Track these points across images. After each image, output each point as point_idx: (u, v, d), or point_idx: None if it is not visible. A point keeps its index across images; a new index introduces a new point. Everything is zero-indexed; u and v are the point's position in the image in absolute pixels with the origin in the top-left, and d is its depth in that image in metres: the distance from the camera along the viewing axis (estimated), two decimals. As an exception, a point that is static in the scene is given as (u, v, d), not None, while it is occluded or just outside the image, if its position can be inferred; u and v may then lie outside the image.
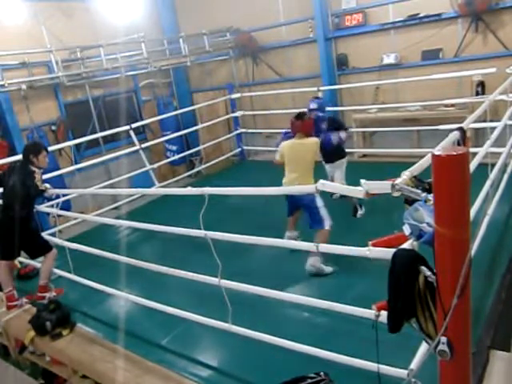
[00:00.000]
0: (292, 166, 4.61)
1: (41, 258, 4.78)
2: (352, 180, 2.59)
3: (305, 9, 8.54)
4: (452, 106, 7.22)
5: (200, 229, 3.28)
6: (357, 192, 2.40)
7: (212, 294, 3.52)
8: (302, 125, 4.62)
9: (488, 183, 4.18)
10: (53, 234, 5.53)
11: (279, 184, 4.52)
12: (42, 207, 5.17)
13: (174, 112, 8.88)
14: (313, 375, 2.73)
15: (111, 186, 7.17)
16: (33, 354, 4.42)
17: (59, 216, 5.73)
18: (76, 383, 3.97)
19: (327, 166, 5.89)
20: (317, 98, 6.10)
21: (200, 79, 10.63)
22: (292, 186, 4.51)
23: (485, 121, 5.05)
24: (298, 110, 9.19)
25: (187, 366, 3.54)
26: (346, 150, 5.96)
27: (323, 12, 8.30)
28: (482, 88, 6.97)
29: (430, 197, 1.93)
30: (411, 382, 2.39)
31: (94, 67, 8.23)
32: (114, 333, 3.98)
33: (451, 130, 2.99)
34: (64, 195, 5.77)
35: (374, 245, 2.46)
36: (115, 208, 7.25)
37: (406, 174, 2.19)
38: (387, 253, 2.11)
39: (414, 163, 2.34)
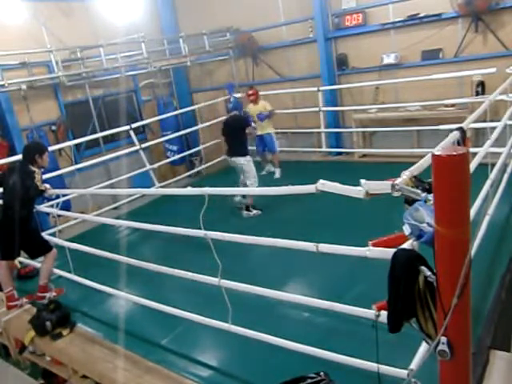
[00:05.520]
0: None
1: (41, 258, 4.78)
2: (352, 180, 2.57)
3: (305, 9, 8.55)
4: (452, 106, 7.22)
5: (200, 229, 3.27)
6: (357, 192, 2.39)
7: (212, 294, 3.52)
8: None
9: (488, 183, 4.18)
10: (53, 234, 5.53)
11: (279, 184, 4.54)
12: (42, 207, 5.17)
13: (174, 112, 8.89)
14: (313, 375, 2.72)
15: (111, 186, 7.18)
16: (33, 353, 4.42)
17: (59, 216, 5.74)
18: (76, 383, 3.97)
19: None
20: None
21: (200, 79, 10.62)
22: None
23: (485, 121, 5.05)
24: (298, 110, 9.26)
25: (187, 365, 3.54)
26: (347, 150, 5.93)
27: (323, 12, 8.31)
28: (482, 88, 6.97)
29: (430, 197, 1.93)
30: (411, 381, 2.39)
31: (94, 67, 8.23)
32: (114, 333, 3.98)
33: (451, 130, 2.99)
34: (64, 195, 5.77)
35: (374, 245, 2.46)
36: (115, 208, 7.25)
37: (405, 174, 2.18)
38: (387, 253, 2.11)
39: (414, 163, 2.34)
